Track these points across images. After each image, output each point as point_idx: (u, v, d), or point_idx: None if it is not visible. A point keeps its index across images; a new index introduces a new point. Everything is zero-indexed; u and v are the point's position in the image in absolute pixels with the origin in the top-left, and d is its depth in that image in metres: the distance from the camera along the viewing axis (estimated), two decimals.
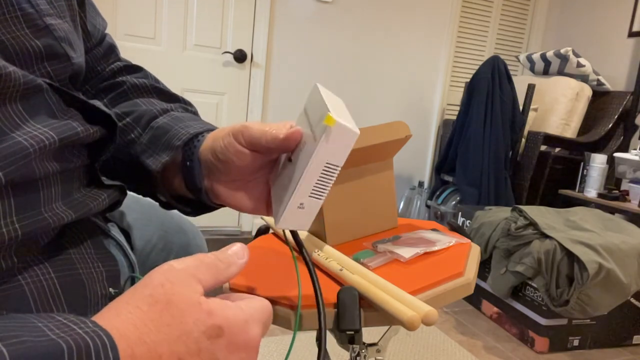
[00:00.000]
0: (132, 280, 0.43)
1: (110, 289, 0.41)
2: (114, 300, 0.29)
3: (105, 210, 0.45)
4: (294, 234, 0.44)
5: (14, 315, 0.25)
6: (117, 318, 0.27)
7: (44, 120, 0.35)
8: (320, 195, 0.39)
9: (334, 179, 0.38)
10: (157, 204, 0.59)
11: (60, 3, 0.42)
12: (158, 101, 0.53)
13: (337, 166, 0.38)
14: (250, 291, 0.54)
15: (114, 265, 0.43)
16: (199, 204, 0.50)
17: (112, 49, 0.57)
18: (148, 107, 0.52)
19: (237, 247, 0.35)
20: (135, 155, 0.49)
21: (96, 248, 0.42)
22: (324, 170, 0.38)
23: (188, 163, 0.46)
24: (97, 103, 0.41)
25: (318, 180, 0.38)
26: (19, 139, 0.32)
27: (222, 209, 0.51)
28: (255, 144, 0.42)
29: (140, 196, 0.65)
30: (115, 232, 0.48)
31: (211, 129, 0.48)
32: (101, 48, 0.55)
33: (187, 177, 0.47)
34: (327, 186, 0.39)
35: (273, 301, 0.50)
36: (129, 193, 0.53)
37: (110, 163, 0.49)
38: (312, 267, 0.43)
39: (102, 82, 0.55)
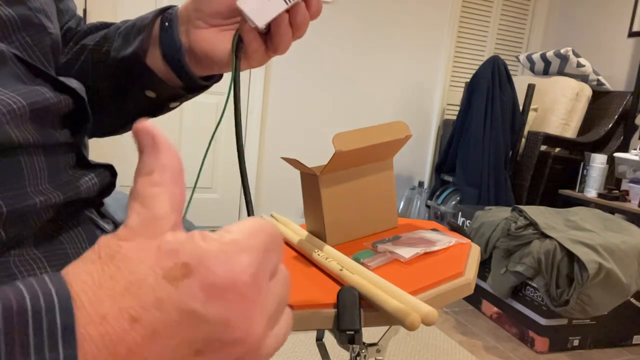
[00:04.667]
0: None
1: None
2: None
3: (97, 195, 0.44)
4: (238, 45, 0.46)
5: None
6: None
7: (11, 85, 0.35)
8: None
9: None
10: None
11: None
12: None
13: None
14: None
15: None
16: (185, 82, 0.52)
17: (80, 20, 0.60)
18: (112, 27, 0.55)
19: (140, 134, 0.24)
20: (114, 59, 0.50)
21: (92, 245, 0.42)
22: None
23: (166, 24, 0.49)
24: (63, 79, 0.41)
25: None
26: None
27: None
28: None
29: None
30: (111, 229, 0.48)
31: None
32: (74, 20, 0.57)
33: (165, 42, 0.49)
34: None
35: None
36: (127, 192, 0.53)
37: (95, 90, 0.51)
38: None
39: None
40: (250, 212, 0.41)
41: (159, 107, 0.55)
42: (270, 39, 0.47)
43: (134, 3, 2.33)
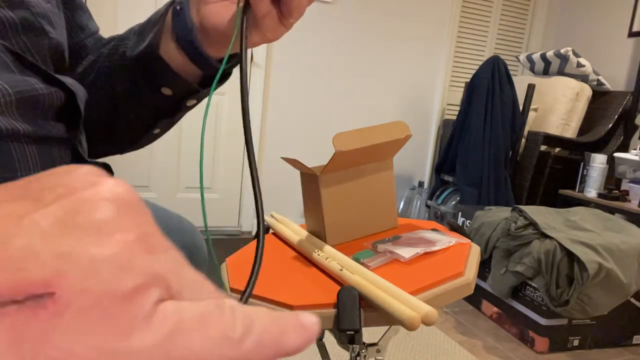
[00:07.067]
0: None
1: None
2: None
3: None
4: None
5: None
6: None
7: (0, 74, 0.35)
8: None
9: None
10: (155, 203, 0.59)
11: None
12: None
13: None
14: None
15: None
16: (199, 65, 0.51)
17: (101, 37, 0.60)
18: (127, 30, 0.56)
19: None
20: (130, 59, 0.51)
21: None
22: None
23: (178, 7, 0.49)
24: (58, 75, 0.41)
25: None
26: None
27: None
28: None
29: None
30: None
31: None
32: (92, 39, 0.58)
33: (177, 25, 0.49)
34: None
35: (271, 301, 0.50)
36: None
37: (113, 96, 0.52)
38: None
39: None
40: (259, 210, 0.40)
41: (176, 106, 0.54)
42: (283, 3, 0.46)
43: (134, 3, 2.33)
